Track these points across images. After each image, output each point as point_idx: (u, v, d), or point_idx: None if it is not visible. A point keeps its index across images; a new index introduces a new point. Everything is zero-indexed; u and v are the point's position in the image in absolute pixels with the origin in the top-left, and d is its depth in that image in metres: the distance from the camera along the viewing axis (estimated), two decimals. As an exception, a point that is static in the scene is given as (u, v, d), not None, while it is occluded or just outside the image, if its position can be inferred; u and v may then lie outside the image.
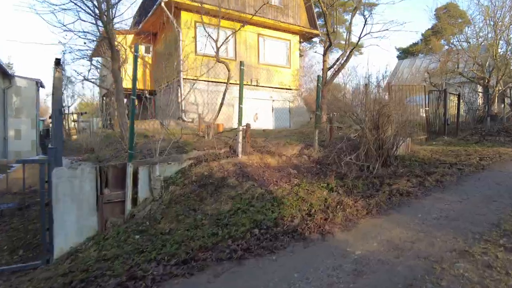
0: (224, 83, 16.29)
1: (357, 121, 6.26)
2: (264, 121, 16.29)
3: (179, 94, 14.45)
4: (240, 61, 6.27)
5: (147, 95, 18.45)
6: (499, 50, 15.79)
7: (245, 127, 6.20)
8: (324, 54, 9.22)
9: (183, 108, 14.35)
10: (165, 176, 5.11)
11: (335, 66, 9.99)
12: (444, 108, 11.60)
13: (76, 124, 22.53)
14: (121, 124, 8.04)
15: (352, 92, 7.67)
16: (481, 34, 15.38)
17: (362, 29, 9.87)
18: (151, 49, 18.51)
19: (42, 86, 18.05)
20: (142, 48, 18.30)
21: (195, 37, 15.06)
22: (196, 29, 15.14)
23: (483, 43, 15.54)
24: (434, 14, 29.77)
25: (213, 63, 15.77)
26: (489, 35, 15.15)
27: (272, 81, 16.99)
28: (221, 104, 9.24)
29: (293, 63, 17.61)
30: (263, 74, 16.68)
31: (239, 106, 6.17)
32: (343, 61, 9.50)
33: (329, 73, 12.14)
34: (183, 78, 14.48)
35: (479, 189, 5.17)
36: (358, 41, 9.20)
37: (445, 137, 11.56)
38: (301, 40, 17.77)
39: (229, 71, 9.63)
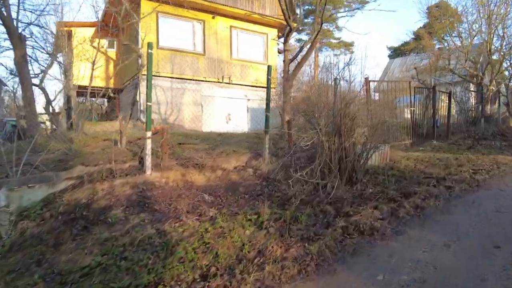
0: (191, 79, 14.73)
1: (313, 125, 4.71)
2: (238, 123, 14.70)
3: (137, 92, 12.77)
4: (148, 43, 4.67)
5: (111, 94, 16.75)
6: (493, 46, 14.43)
7: (160, 130, 4.60)
8: (285, 42, 7.67)
9: (141, 108, 12.69)
10: (22, 206, 3.51)
11: (299, 57, 8.46)
12: (433, 109, 10.13)
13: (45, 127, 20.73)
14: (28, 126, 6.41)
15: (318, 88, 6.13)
16: (474, 27, 14.01)
17: (323, 7, 8.30)
18: (115, 43, 16.81)
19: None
20: (105, 42, 16.60)
21: (157, 29, 13.41)
22: (158, 20, 13.50)
23: (476, 37, 14.16)
24: (426, 12, 28.52)
25: (179, 57, 14.19)
26: (483, 28, 13.77)
27: (247, 79, 15.43)
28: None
29: (270, 59, 16.06)
30: (237, 70, 15.10)
31: (146, 104, 4.57)
32: (306, 50, 7.96)
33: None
34: (142, 75, 12.81)
35: (473, 221, 3.65)
36: (321, 24, 7.66)
37: (434, 141, 10.09)
38: (280, 34, 16.27)
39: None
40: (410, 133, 9.05)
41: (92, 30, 15.64)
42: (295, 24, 7.65)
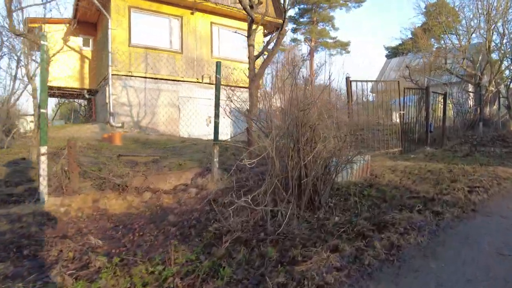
0: (167, 79, 13.74)
1: (263, 137, 3.72)
2: (220, 126, 13.67)
3: (107, 93, 11.79)
4: (40, 33, 3.68)
5: (86, 95, 15.64)
6: (492, 44, 13.46)
7: (68, 145, 3.59)
8: (248, 36, 6.69)
9: (111, 110, 11.68)
10: None
11: (267, 52, 7.47)
12: (426, 111, 9.15)
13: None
14: None
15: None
16: (472, 24, 13.03)
17: None
18: (91, 41, 15.82)
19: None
20: (79, 41, 15.63)
21: (129, 25, 12.42)
22: (131, 16, 12.50)
23: (474, 33, 13.19)
24: (424, 12, 27.52)
25: (154, 55, 13.20)
26: (482, 24, 12.81)
27: (229, 79, 14.42)
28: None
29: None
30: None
31: (40, 111, 3.55)
32: (274, 45, 6.98)
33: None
34: (113, 74, 11.82)
35: (466, 272, 2.65)
36: (285, 12, 6.68)
37: (427, 147, 9.11)
38: (266, 31, 15.30)
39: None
40: (400, 139, 8.07)
41: (63, 27, 14.62)
42: (258, 16, 6.67)
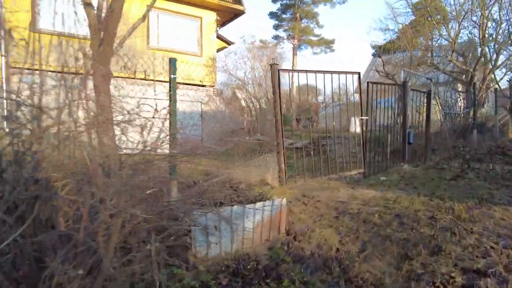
0: (81, 74, 11.15)
1: None
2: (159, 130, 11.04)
3: None
4: None
5: None
6: (487, 33, 11.21)
7: None
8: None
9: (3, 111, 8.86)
10: None
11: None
12: (402, 115, 6.76)
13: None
14: None
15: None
16: (464, 8, 10.73)
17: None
18: (9, 29, 12.98)
19: None
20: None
21: (33, 5, 9.73)
22: (35, -8, 9.79)
23: (465, 18, 10.87)
24: (411, 10, 25.37)
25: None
26: (475, 9, 10.53)
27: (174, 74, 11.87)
28: None
29: (206, 49, 12.56)
30: (158, 63, 11.53)
31: None
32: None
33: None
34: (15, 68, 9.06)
35: None
36: None
37: (405, 165, 6.70)
38: (219, 18, 12.83)
39: None
40: (361, 156, 5.61)
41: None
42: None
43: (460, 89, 12.47)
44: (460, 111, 10.13)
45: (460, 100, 11.74)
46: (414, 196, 4.69)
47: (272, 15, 39.19)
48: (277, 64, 4.27)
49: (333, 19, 59.00)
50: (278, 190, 3.80)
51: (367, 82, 5.13)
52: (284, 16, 39.28)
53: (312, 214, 3.60)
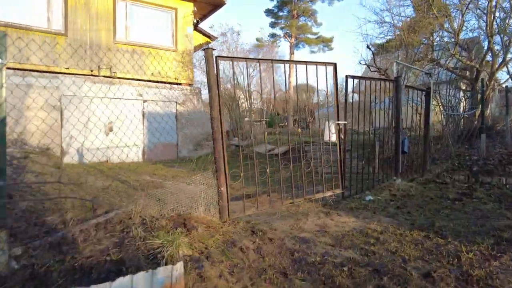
0: (42, 71, 9.94)
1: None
2: (127, 134, 9.83)
3: None
4: None
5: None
6: (494, 24, 9.93)
7: None
8: None
9: None
10: None
11: None
12: (395, 119, 5.51)
13: None
14: None
15: None
16: (467, -4, 9.45)
17: None
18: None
19: None
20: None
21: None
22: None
23: (470, 4, 9.58)
24: (412, 6, 24.06)
25: (23, 37, 9.42)
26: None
27: (144, 71, 10.66)
28: None
29: (182, 44, 11.34)
30: (126, 59, 10.33)
31: None
32: None
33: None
34: None
35: None
36: None
37: (398, 179, 5.45)
38: (197, 10, 11.61)
39: None
40: (339, 172, 4.37)
41: None
42: None
43: (463, 88, 11.20)
44: (463, 112, 8.87)
45: (464, 99, 10.48)
46: (405, 229, 3.46)
47: (268, 12, 37.92)
48: (213, 49, 3.05)
49: (331, 17, 57.42)
50: (200, 233, 2.57)
51: (345, 76, 3.91)
52: (280, 13, 38.02)
53: (246, 274, 2.36)
